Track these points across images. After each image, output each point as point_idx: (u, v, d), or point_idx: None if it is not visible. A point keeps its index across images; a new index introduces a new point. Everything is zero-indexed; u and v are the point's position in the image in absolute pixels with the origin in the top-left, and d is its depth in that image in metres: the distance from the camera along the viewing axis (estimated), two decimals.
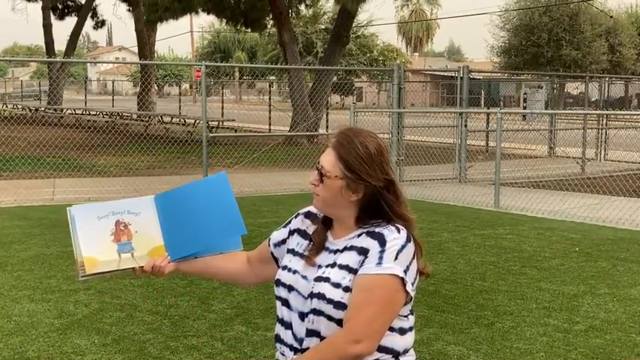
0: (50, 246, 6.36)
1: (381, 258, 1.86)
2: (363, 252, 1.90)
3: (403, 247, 1.87)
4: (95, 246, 2.01)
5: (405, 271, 1.87)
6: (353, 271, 1.89)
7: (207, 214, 2.08)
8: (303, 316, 1.93)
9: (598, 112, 15.56)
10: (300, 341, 1.92)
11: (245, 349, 3.88)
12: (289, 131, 17.86)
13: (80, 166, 12.73)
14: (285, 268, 2.01)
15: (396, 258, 1.86)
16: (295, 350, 1.94)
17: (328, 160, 1.92)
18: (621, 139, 14.82)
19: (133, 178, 11.34)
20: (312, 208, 2.09)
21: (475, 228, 7.56)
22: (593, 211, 8.42)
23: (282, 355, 2.00)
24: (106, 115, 25.05)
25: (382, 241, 1.88)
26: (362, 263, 1.88)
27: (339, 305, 1.86)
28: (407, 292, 1.88)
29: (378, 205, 1.93)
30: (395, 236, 1.88)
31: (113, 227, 2.03)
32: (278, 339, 2.01)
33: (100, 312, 4.51)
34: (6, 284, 5.11)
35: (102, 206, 2.05)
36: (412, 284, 1.91)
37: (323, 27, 45.24)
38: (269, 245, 2.14)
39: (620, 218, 7.99)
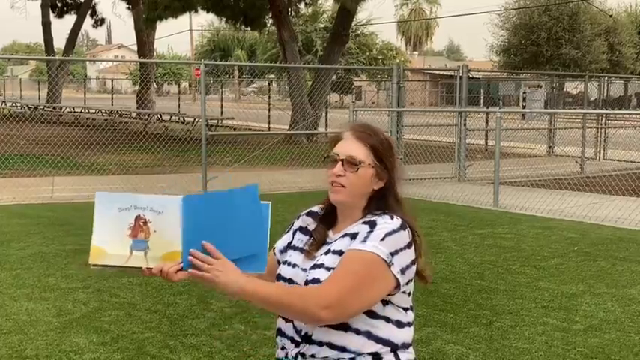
0: (49, 244, 6.36)
1: (366, 238, 1.91)
2: (355, 236, 1.95)
3: (394, 231, 1.91)
4: (108, 237, 1.93)
5: (392, 254, 1.89)
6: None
7: (231, 228, 1.95)
8: None
9: (597, 111, 15.57)
10: (300, 332, 1.95)
11: (244, 348, 3.87)
12: (288, 130, 17.85)
13: (79, 164, 12.72)
14: (285, 262, 2.06)
15: (382, 239, 1.89)
16: (296, 343, 1.96)
17: (359, 150, 1.98)
18: (620, 138, 14.83)
19: (132, 176, 11.33)
20: (313, 208, 2.15)
21: (474, 227, 7.56)
22: (592, 210, 8.42)
23: (283, 348, 2.02)
24: (105, 113, 25.04)
25: (373, 224, 1.94)
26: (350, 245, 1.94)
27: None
28: (395, 277, 1.90)
29: (387, 194, 2.01)
30: (386, 221, 1.94)
31: (132, 221, 1.93)
32: (279, 332, 2.04)
33: (98, 310, 4.50)
34: (5, 282, 5.10)
35: (126, 197, 1.96)
36: (402, 272, 1.91)
37: (322, 26, 45.27)
38: (274, 254, 2.16)
39: (619, 217, 7.99)
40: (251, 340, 4.00)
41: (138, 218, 1.93)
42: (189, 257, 1.88)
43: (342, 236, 1.99)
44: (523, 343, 4.00)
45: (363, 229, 1.94)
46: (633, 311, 4.62)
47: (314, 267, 1.95)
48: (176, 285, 5.10)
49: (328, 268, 1.92)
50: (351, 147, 1.99)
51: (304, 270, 1.98)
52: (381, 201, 2.01)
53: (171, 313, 4.46)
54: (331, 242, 2.01)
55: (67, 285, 5.06)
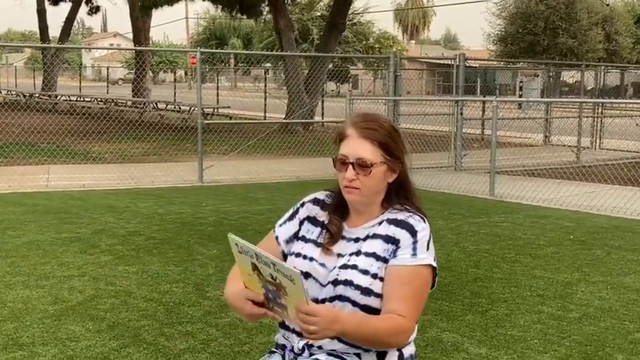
0: (44, 232, 6.35)
1: (415, 249, 1.90)
2: (392, 241, 1.92)
3: (430, 236, 1.95)
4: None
5: (434, 259, 1.95)
6: (381, 258, 1.91)
7: None
8: (317, 302, 1.93)
9: (594, 100, 15.56)
10: None
11: (240, 336, 3.88)
12: (284, 119, 17.81)
13: (75, 152, 12.69)
14: (298, 255, 2.00)
15: (427, 248, 1.93)
16: (302, 335, 1.94)
17: (367, 149, 1.92)
18: (616, 127, 14.84)
19: (127, 164, 11.32)
20: (318, 195, 2.09)
21: (470, 216, 7.57)
22: (587, 199, 8.44)
23: (287, 339, 2.00)
24: (101, 101, 24.94)
25: (412, 231, 1.93)
26: (394, 253, 1.91)
27: (367, 291, 1.89)
28: (434, 279, 1.97)
29: (404, 183, 2.01)
30: (423, 226, 1.94)
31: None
32: (283, 325, 2.01)
33: (94, 298, 4.50)
34: (0, 270, 5.09)
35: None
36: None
37: (319, 14, 45.07)
38: (279, 243, 2.08)
39: (615, 206, 8.00)
40: (247, 327, 4.00)
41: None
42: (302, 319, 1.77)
43: (371, 237, 1.95)
44: (518, 331, 4.02)
45: (402, 235, 1.92)
46: (628, 299, 4.64)
47: (345, 267, 1.92)
48: (172, 273, 5.10)
49: (363, 271, 1.90)
50: (359, 148, 1.92)
51: (323, 265, 1.95)
52: (400, 191, 2.00)
53: (167, 301, 4.46)
54: (353, 239, 1.97)
55: (62, 273, 5.06)
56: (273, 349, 2.06)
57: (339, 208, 2.02)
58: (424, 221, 1.96)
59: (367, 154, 1.92)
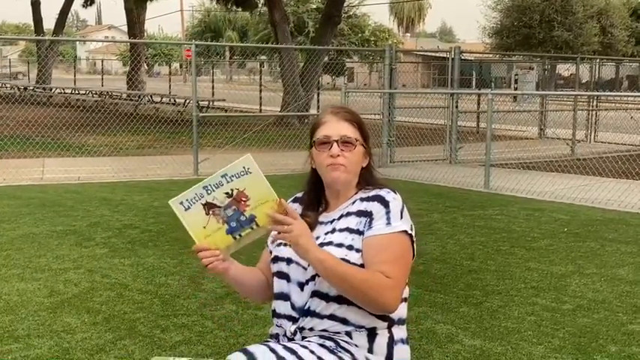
0: (39, 225, 6.35)
1: (388, 218, 1.94)
2: (365, 214, 1.97)
3: (403, 205, 1.99)
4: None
5: (411, 227, 1.98)
6: (354, 231, 1.96)
7: None
8: (302, 285, 1.98)
9: (589, 93, 15.58)
10: (300, 309, 1.96)
11: (235, 328, 3.89)
12: (280, 111, 17.79)
13: (69, 145, 12.66)
14: (280, 244, 2.05)
15: (401, 217, 1.96)
16: (293, 320, 1.97)
17: (349, 129, 2.02)
18: (611, 120, 14.87)
19: (122, 157, 11.30)
20: (297, 194, 2.17)
21: (465, 209, 7.59)
22: (582, 192, 8.46)
23: (279, 327, 2.03)
24: (96, 94, 24.86)
25: (383, 201, 1.97)
26: (369, 224, 1.94)
27: (344, 262, 1.93)
28: (414, 249, 1.99)
29: (371, 169, 2.09)
30: (393, 196, 1.99)
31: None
32: (274, 314, 2.05)
33: (90, 291, 4.50)
34: None
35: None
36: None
37: (314, 6, 45.00)
38: (267, 246, 2.17)
39: (609, 199, 8.03)
40: (242, 319, 4.02)
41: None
42: (271, 213, 1.86)
43: (344, 216, 2.00)
44: (512, 323, 4.04)
45: (376, 208, 1.96)
46: (622, 291, 4.66)
47: (321, 245, 1.96)
48: (167, 266, 5.11)
49: (338, 244, 1.94)
50: (341, 127, 2.01)
51: None
52: (370, 177, 2.07)
53: (162, 294, 4.47)
54: (330, 221, 2.03)
55: (58, 266, 5.06)
56: (267, 340, 2.09)
57: (314, 201, 2.09)
58: (395, 192, 2.00)
59: (350, 132, 2.01)
